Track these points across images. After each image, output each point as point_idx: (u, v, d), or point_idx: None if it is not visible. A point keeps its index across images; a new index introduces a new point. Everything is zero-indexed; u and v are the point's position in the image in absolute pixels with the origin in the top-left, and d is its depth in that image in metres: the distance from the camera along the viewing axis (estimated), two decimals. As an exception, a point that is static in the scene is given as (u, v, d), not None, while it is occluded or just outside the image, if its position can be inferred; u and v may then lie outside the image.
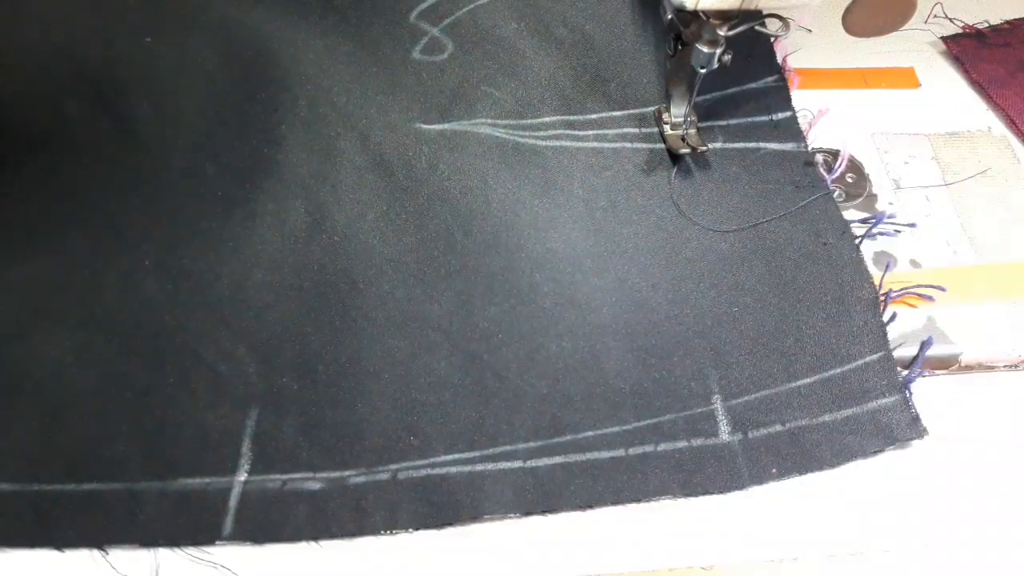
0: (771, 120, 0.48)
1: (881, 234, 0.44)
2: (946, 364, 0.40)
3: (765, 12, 0.41)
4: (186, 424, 0.35)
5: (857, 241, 0.43)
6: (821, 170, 0.46)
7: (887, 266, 0.42)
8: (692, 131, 0.46)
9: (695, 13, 0.40)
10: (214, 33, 0.47)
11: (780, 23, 0.41)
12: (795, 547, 0.35)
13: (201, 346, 0.38)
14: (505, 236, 0.42)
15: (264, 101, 0.45)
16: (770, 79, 0.50)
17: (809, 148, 0.47)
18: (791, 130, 0.48)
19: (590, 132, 0.47)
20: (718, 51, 0.41)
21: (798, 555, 0.34)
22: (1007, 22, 0.57)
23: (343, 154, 0.45)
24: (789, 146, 0.47)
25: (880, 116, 0.51)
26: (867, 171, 0.48)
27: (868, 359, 0.39)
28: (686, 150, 0.45)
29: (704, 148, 0.46)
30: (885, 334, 0.39)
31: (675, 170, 0.46)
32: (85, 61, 0.44)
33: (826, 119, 0.50)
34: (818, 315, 0.40)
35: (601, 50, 0.49)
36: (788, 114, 0.48)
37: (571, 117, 0.47)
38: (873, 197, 0.47)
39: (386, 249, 0.41)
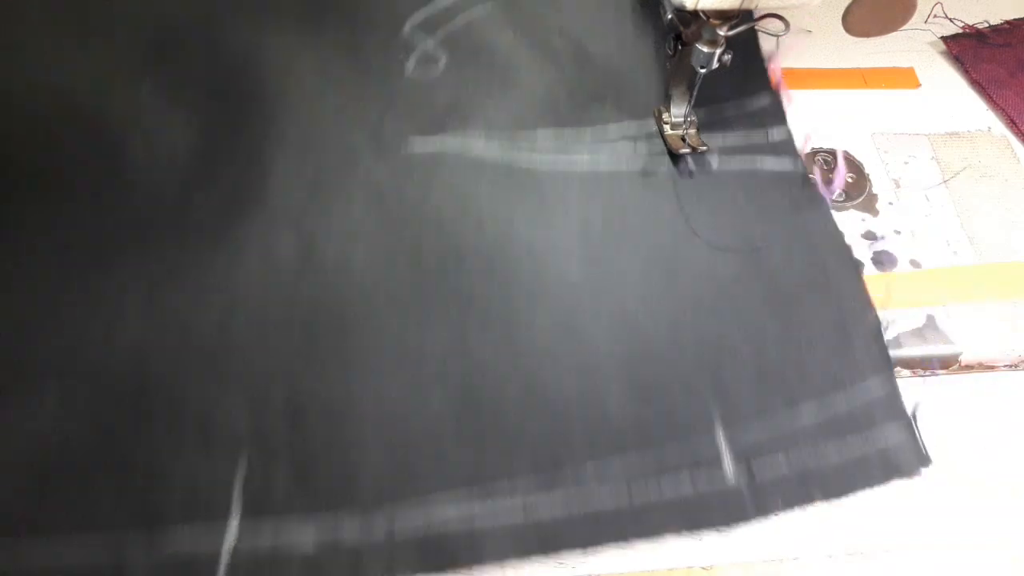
0: (767, 138, 0.48)
1: (883, 251, 0.43)
2: (946, 364, 0.40)
3: (765, 12, 0.41)
4: (175, 473, 0.34)
5: (858, 266, 0.42)
6: (820, 189, 0.45)
7: (889, 291, 0.41)
8: (692, 131, 0.46)
9: (695, 13, 0.40)
10: (205, 66, 0.45)
11: (780, 23, 0.41)
12: (795, 547, 0.35)
13: (188, 391, 0.36)
14: (500, 266, 0.41)
15: (252, 132, 0.44)
16: (765, 98, 0.49)
17: (808, 151, 0.47)
18: (788, 148, 0.47)
19: (585, 153, 0.46)
20: (718, 51, 0.41)
21: (798, 555, 0.34)
22: (1007, 22, 0.57)
23: (333, 183, 0.43)
24: (787, 164, 0.46)
25: (880, 116, 0.51)
26: (867, 171, 0.48)
27: (871, 387, 0.38)
28: (686, 150, 0.46)
29: (704, 148, 0.46)
30: (889, 362, 0.39)
31: (678, 173, 0.46)
32: (77, 99, 0.43)
33: (826, 119, 0.50)
34: (820, 343, 0.39)
35: (598, 65, 0.48)
36: (784, 132, 0.48)
37: (565, 137, 0.47)
38: (873, 197, 0.47)
39: (377, 281, 0.40)
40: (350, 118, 0.45)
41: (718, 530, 0.35)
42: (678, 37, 0.43)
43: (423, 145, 0.45)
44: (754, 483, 0.36)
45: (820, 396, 0.38)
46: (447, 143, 0.45)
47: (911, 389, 0.38)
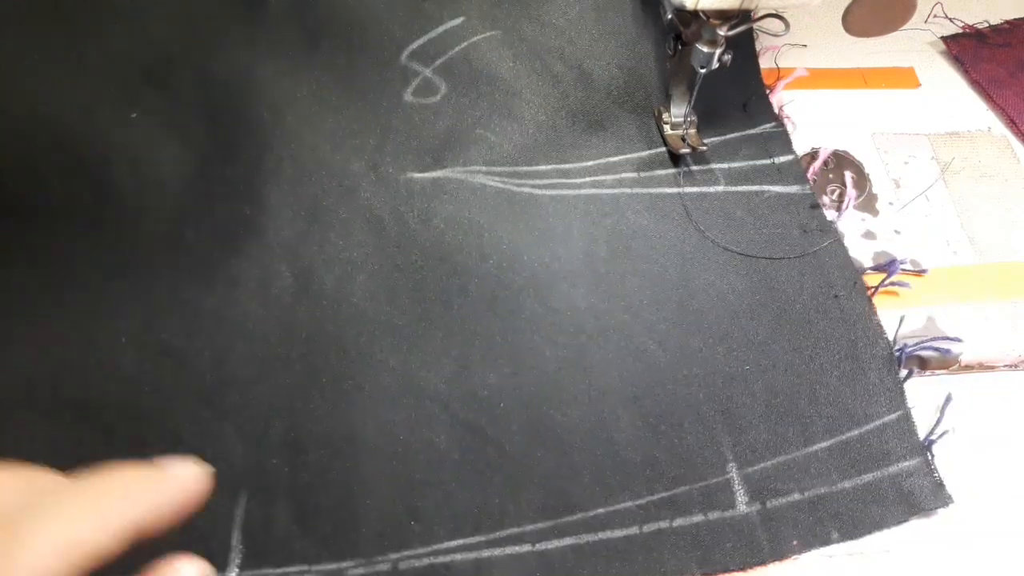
0: (773, 163, 0.47)
1: (895, 284, 0.42)
2: (946, 364, 0.40)
3: (765, 12, 0.41)
4: None
5: (869, 293, 0.41)
6: (829, 213, 0.44)
7: (900, 320, 0.40)
8: (692, 131, 0.46)
9: (695, 13, 0.40)
10: (197, 94, 0.43)
11: (780, 23, 0.41)
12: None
13: (183, 428, 0.35)
14: (503, 296, 0.40)
15: (246, 161, 0.43)
16: (768, 125, 0.48)
17: (808, 151, 0.47)
18: (794, 173, 0.46)
19: (587, 178, 0.45)
20: (718, 51, 0.41)
21: (798, 555, 0.34)
22: (1007, 22, 0.57)
23: (330, 212, 0.42)
24: (793, 189, 0.46)
25: (880, 116, 0.51)
26: (867, 171, 0.48)
27: (886, 420, 0.37)
28: (686, 150, 0.45)
29: (704, 147, 0.46)
30: (902, 392, 0.38)
31: (681, 174, 0.46)
32: (65, 128, 0.41)
33: (826, 119, 0.50)
34: (832, 373, 0.38)
35: (600, 90, 0.47)
36: (790, 157, 0.47)
37: (567, 164, 0.45)
38: (873, 197, 0.47)
39: (378, 313, 0.39)
40: (347, 146, 0.44)
41: (733, 571, 0.34)
42: (678, 37, 0.43)
43: (423, 171, 0.44)
44: (769, 521, 0.34)
45: (833, 429, 0.37)
46: (447, 172, 0.44)
47: (911, 389, 0.38)
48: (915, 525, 0.35)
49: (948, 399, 0.38)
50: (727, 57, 0.41)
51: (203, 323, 0.38)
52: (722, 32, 0.40)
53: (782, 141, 0.48)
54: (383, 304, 0.39)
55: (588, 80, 0.47)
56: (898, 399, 0.38)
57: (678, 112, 0.46)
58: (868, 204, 0.46)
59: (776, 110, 0.49)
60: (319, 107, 0.45)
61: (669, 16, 0.42)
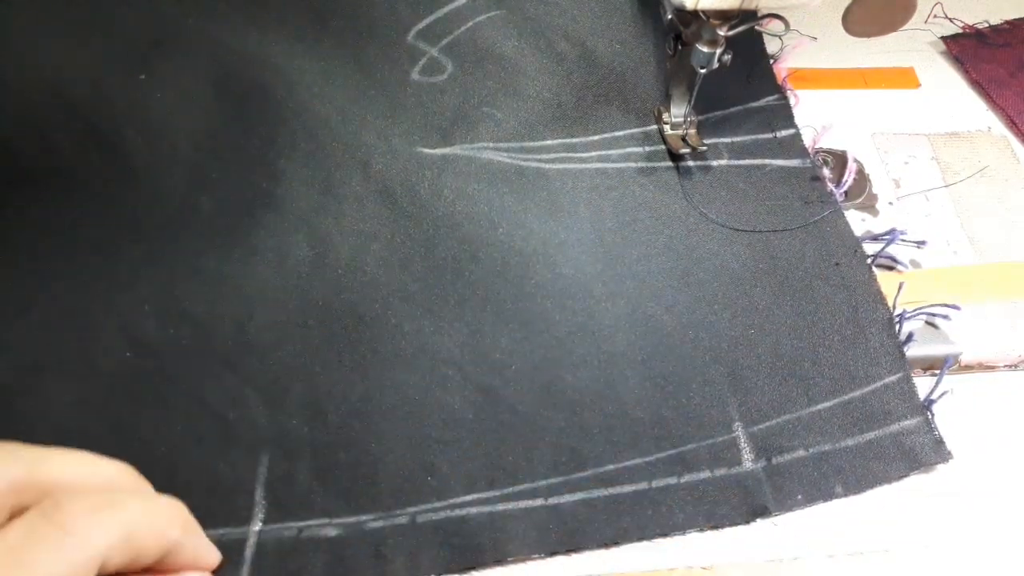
0: (775, 137, 0.48)
1: (893, 261, 0.43)
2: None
3: (765, 12, 0.41)
4: (197, 475, 0.34)
5: (869, 261, 0.42)
6: (829, 184, 0.45)
7: (900, 286, 0.41)
8: (692, 131, 0.47)
9: (695, 13, 0.40)
10: (208, 65, 0.45)
11: (781, 23, 0.41)
12: (795, 547, 0.35)
13: (207, 392, 0.36)
14: (514, 263, 0.41)
15: (261, 135, 0.44)
16: (771, 98, 0.50)
17: (815, 150, 0.48)
18: (795, 146, 0.47)
19: (593, 153, 0.46)
20: (718, 51, 0.41)
21: (798, 555, 0.34)
22: (1007, 22, 0.57)
23: (344, 184, 0.43)
24: (795, 162, 0.47)
25: (880, 116, 0.51)
26: (867, 171, 0.48)
27: (887, 381, 0.38)
28: (686, 150, 0.46)
29: (704, 148, 0.46)
30: (903, 355, 0.39)
31: (681, 172, 0.46)
32: (77, 96, 0.43)
33: (826, 119, 0.50)
34: (834, 337, 0.40)
35: (604, 66, 0.48)
36: (792, 131, 0.48)
37: (574, 139, 0.47)
38: (873, 197, 0.47)
39: (392, 280, 0.40)
40: (358, 122, 0.45)
41: (739, 524, 0.35)
42: (678, 37, 0.43)
43: (432, 148, 0.45)
44: (774, 476, 0.36)
45: (836, 390, 0.38)
46: (455, 149, 0.45)
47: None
48: (916, 525, 0.35)
49: (948, 361, 0.39)
50: (727, 57, 0.41)
51: (222, 291, 0.39)
52: (722, 32, 0.40)
53: (784, 115, 0.49)
54: (397, 272, 0.41)
55: (592, 57, 0.48)
56: (898, 362, 0.39)
57: (678, 112, 0.47)
58: (868, 204, 0.46)
59: (780, 80, 0.50)
60: (329, 85, 0.46)
61: (669, 16, 0.42)
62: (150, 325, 0.38)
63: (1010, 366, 0.41)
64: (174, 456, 0.35)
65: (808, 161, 0.47)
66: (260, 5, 0.46)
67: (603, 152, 0.46)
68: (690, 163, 0.46)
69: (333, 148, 0.44)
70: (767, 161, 0.47)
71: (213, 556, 0.28)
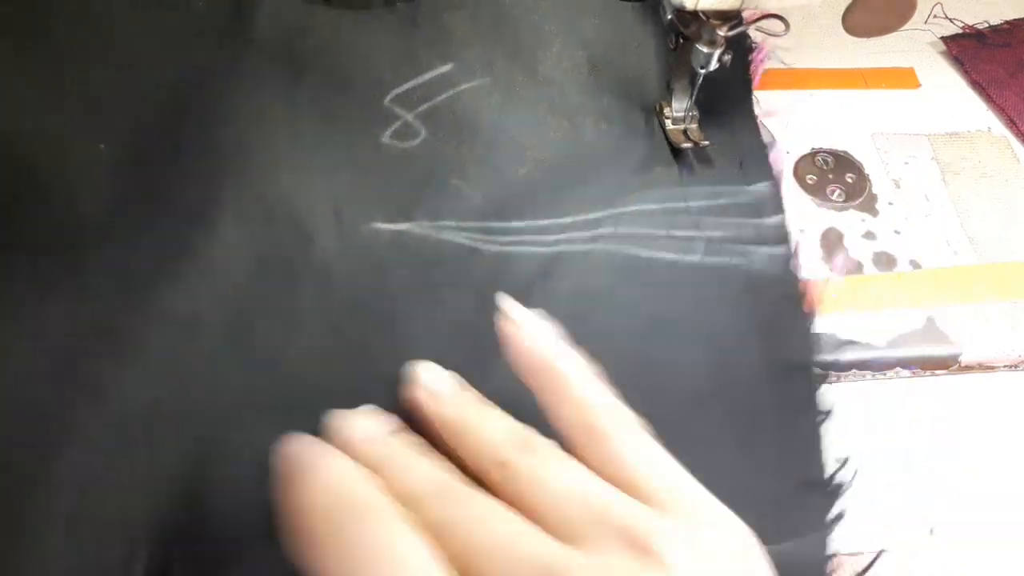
0: (761, 224, 0.44)
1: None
2: (946, 364, 0.40)
3: (764, 13, 0.41)
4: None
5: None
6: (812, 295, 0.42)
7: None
8: (694, 125, 0.46)
9: (695, 13, 0.40)
10: (170, 112, 0.41)
11: (781, 24, 0.41)
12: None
13: (82, 504, 0.31)
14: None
15: (200, 187, 0.40)
16: (763, 184, 0.45)
17: (815, 149, 0.47)
18: (780, 235, 0.43)
19: (562, 235, 0.42)
20: (718, 51, 0.41)
21: (798, 555, 0.35)
22: (1007, 22, 0.57)
23: (282, 260, 0.39)
24: (780, 250, 0.43)
25: (880, 116, 0.51)
26: (867, 171, 0.48)
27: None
28: (688, 144, 0.45)
29: (707, 143, 0.45)
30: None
31: (682, 168, 0.45)
32: (29, 159, 0.39)
33: (826, 119, 0.50)
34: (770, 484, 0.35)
35: (587, 144, 0.45)
36: (778, 218, 0.44)
37: (543, 222, 0.42)
38: (873, 197, 0.47)
39: (316, 380, 0.35)
40: (315, 187, 0.41)
41: None
42: (680, 33, 0.43)
43: (390, 223, 0.41)
44: None
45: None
46: (413, 225, 0.41)
47: (911, 389, 0.38)
48: (915, 525, 0.35)
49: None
50: (727, 57, 0.41)
51: (133, 357, 0.35)
52: (722, 32, 0.40)
53: (774, 203, 0.45)
54: (321, 371, 0.36)
55: (577, 134, 0.46)
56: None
57: (679, 107, 0.46)
58: (868, 204, 0.46)
59: (771, 165, 0.47)
60: (293, 142, 0.42)
61: (669, 17, 0.42)
62: (45, 389, 0.33)
63: (1010, 366, 0.41)
64: None
65: (793, 265, 0.42)
66: (236, 53, 0.43)
67: (572, 234, 0.42)
68: (663, 255, 0.42)
69: (277, 215, 0.40)
70: (749, 249, 0.43)
71: None
